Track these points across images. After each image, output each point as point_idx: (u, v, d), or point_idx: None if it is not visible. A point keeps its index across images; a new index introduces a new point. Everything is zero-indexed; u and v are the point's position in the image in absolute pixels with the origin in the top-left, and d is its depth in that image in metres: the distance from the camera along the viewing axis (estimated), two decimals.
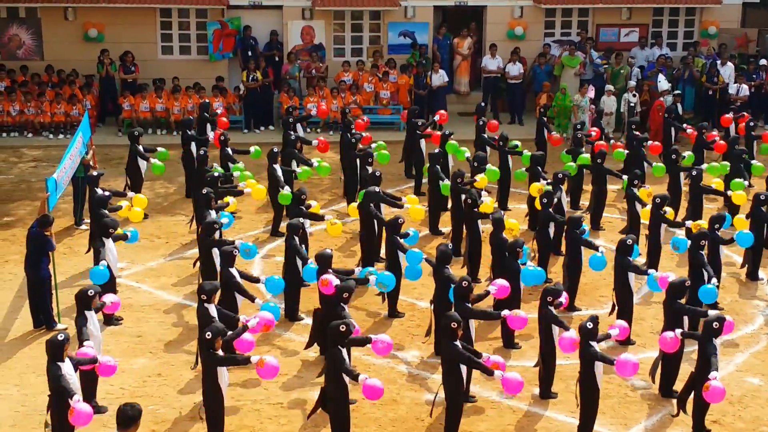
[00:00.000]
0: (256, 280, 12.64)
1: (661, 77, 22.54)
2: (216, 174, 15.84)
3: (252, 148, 17.84)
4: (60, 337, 9.73)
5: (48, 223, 12.99)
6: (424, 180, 17.96)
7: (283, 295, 13.34)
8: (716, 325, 10.54)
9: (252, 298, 12.12)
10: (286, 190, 15.68)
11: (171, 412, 11.21)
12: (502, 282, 12.08)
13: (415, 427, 10.98)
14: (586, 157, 17.30)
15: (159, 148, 17.73)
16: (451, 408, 10.43)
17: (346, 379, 10.15)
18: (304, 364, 12.30)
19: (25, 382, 11.78)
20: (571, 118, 21.44)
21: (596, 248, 13.49)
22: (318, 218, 14.92)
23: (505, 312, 11.42)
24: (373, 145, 17.84)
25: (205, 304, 11.14)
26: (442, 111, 20.31)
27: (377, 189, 15.09)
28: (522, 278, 12.65)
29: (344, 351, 10.21)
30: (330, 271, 12.27)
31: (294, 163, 17.50)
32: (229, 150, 17.57)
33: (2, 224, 17.00)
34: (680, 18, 25.02)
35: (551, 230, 14.52)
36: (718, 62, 23.21)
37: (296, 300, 13.48)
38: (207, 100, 20.75)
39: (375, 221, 14.62)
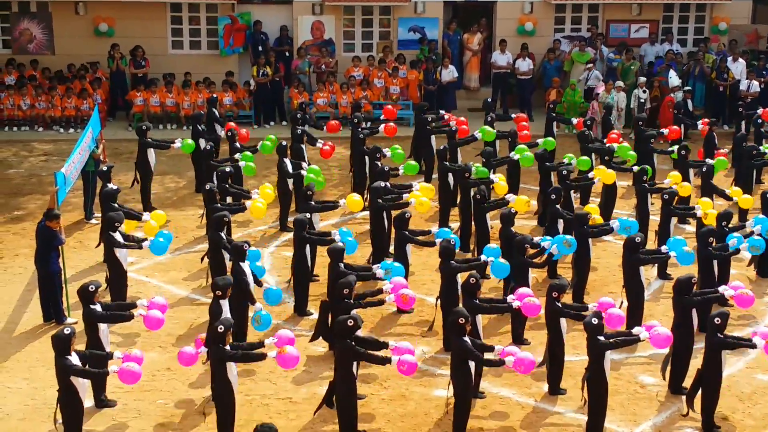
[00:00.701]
0: (259, 284, 12.60)
1: (672, 73, 22.46)
2: (228, 170, 15.84)
3: (259, 145, 17.66)
4: (66, 331, 9.76)
5: (53, 217, 13.00)
6: (434, 176, 17.96)
7: (293, 292, 13.44)
8: (717, 320, 10.55)
9: (253, 301, 12.10)
10: (305, 169, 16.28)
11: (180, 406, 11.23)
12: (523, 293, 11.60)
13: (424, 423, 10.99)
14: (633, 154, 17.30)
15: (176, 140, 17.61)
16: (460, 404, 10.41)
17: (355, 371, 10.15)
18: (313, 359, 12.31)
19: (35, 375, 11.82)
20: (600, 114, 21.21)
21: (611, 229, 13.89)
22: (330, 207, 14.95)
23: (516, 303, 11.39)
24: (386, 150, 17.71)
25: (219, 300, 11.16)
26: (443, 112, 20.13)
27: (383, 184, 15.09)
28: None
29: (353, 344, 10.20)
30: (342, 265, 12.29)
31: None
32: (238, 145, 17.60)
33: (13, 218, 17.07)
34: (690, 14, 24.93)
35: (560, 226, 14.51)
36: (729, 58, 23.12)
37: (305, 295, 13.49)
38: (215, 95, 20.76)
39: (384, 216, 14.62)
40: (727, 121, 22.65)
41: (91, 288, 10.90)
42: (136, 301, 11.38)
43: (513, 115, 20.01)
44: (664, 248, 13.14)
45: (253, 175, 16.96)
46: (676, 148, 17.35)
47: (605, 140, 18.38)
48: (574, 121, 19.61)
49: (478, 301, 11.28)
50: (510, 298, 11.58)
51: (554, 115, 19.91)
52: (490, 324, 12.96)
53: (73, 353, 9.79)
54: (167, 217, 14.83)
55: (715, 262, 13.17)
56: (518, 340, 12.72)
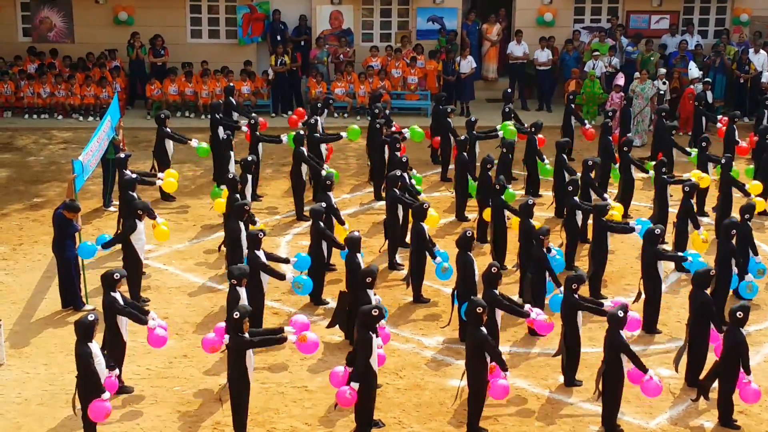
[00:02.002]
0: (286, 261, 12.81)
1: (692, 65, 22.29)
2: (249, 159, 15.86)
3: (284, 137, 17.69)
4: (90, 318, 9.81)
5: (74, 209, 13.05)
6: (451, 166, 17.93)
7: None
8: (740, 314, 10.48)
9: (282, 276, 12.29)
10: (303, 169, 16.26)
11: (197, 393, 11.29)
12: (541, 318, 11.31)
13: (439, 413, 11.00)
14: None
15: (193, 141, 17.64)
16: (475, 394, 10.40)
17: (374, 364, 10.16)
18: (329, 348, 12.34)
19: (53, 361, 11.90)
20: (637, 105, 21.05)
21: (631, 229, 13.64)
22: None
23: (533, 315, 11.19)
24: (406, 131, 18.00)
25: (237, 288, 11.20)
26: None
27: (399, 173, 15.07)
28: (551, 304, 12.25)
29: (374, 337, 10.21)
30: (359, 255, 12.31)
31: (322, 148, 17.57)
32: (258, 134, 17.59)
33: (32, 205, 17.17)
34: (712, 5, 24.73)
35: (578, 218, 14.46)
36: (751, 50, 22.93)
37: (320, 284, 13.51)
38: (231, 84, 20.78)
39: (400, 206, 14.60)
40: (748, 113, 22.48)
41: (116, 276, 10.95)
42: (150, 312, 11.22)
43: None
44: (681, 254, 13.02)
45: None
46: (695, 152, 17.18)
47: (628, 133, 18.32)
48: (590, 128, 19.33)
49: (498, 293, 11.23)
50: (533, 310, 11.31)
51: (573, 107, 19.79)
52: (506, 315, 12.91)
53: (94, 341, 9.84)
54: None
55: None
56: (534, 332, 12.69)
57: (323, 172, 15.71)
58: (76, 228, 13.17)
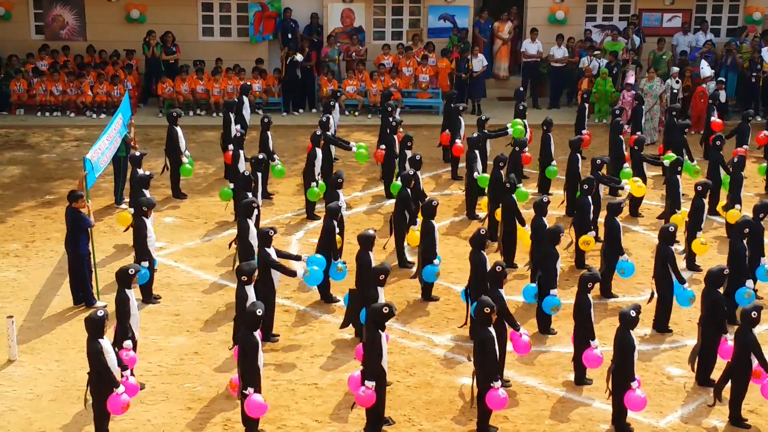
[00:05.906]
0: (297, 258, 12.75)
1: (704, 63, 22.22)
2: (260, 157, 15.87)
3: (279, 165, 17.07)
4: (99, 314, 9.84)
5: (76, 198, 13.08)
6: (461, 164, 17.92)
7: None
8: (754, 314, 10.44)
9: (293, 273, 12.28)
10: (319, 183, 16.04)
11: (207, 390, 11.33)
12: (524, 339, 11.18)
13: (449, 410, 11.00)
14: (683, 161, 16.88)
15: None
16: (485, 393, 10.39)
17: (384, 362, 10.17)
18: (340, 346, 12.36)
19: (65, 357, 11.95)
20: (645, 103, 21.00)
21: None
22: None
23: (519, 332, 11.05)
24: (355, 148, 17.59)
25: (245, 286, 11.21)
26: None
27: (412, 172, 15.06)
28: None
29: (383, 336, 10.22)
30: (371, 253, 12.30)
31: (332, 147, 17.57)
32: (269, 134, 17.61)
33: (44, 202, 17.24)
34: (724, 3, 24.65)
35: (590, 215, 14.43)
36: (764, 49, 22.83)
37: (328, 281, 13.48)
38: (248, 83, 20.80)
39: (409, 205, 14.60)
40: (759, 112, 22.39)
41: (131, 271, 10.98)
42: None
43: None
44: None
45: (281, 177, 16.99)
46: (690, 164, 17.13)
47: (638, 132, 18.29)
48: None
49: (503, 293, 11.20)
50: (522, 330, 11.19)
51: (586, 105, 19.74)
52: (517, 314, 12.91)
53: (105, 338, 9.88)
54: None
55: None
56: (545, 329, 12.70)
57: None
58: (90, 223, 13.20)
